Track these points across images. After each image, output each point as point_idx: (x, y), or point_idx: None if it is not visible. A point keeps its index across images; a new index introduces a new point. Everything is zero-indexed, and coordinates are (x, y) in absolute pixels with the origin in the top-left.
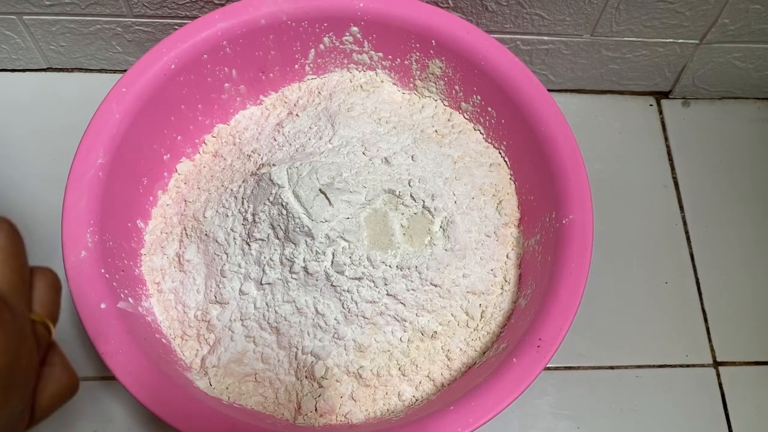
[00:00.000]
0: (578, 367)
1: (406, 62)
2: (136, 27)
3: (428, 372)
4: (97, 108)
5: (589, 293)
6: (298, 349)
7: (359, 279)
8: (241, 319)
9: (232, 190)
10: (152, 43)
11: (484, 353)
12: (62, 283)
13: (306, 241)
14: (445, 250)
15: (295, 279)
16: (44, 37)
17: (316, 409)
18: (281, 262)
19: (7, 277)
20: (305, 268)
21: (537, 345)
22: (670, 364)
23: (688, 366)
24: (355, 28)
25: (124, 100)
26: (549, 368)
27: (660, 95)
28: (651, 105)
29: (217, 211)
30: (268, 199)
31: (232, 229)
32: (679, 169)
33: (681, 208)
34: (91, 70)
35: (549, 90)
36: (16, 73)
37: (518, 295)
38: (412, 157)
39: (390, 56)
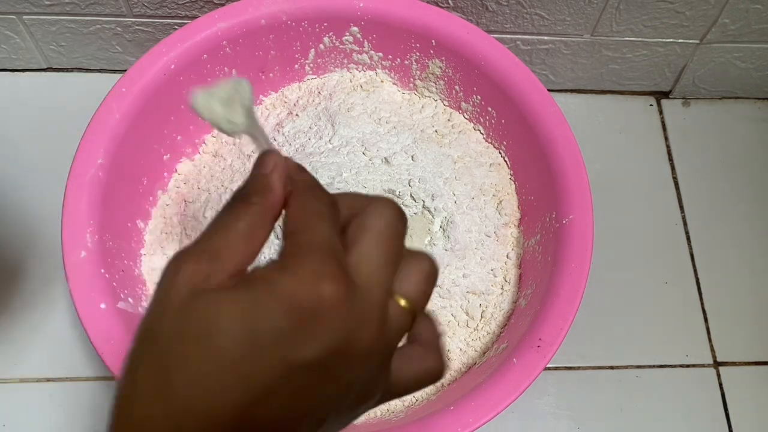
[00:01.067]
0: (578, 367)
1: (406, 62)
2: (136, 27)
3: None
4: (97, 108)
5: (589, 293)
6: None
7: None
8: None
9: (232, 190)
10: (152, 43)
11: (484, 353)
12: None
13: None
14: (445, 250)
15: None
16: (44, 37)
17: None
18: None
19: (374, 259)
20: None
21: (537, 345)
22: (670, 364)
23: (688, 366)
24: (355, 28)
25: (124, 100)
26: (549, 368)
27: (660, 95)
28: (651, 105)
29: (217, 211)
30: None
31: None
32: (679, 169)
33: (681, 208)
34: (91, 70)
35: (549, 90)
36: (16, 73)
37: (518, 295)
38: (412, 157)
39: (390, 56)
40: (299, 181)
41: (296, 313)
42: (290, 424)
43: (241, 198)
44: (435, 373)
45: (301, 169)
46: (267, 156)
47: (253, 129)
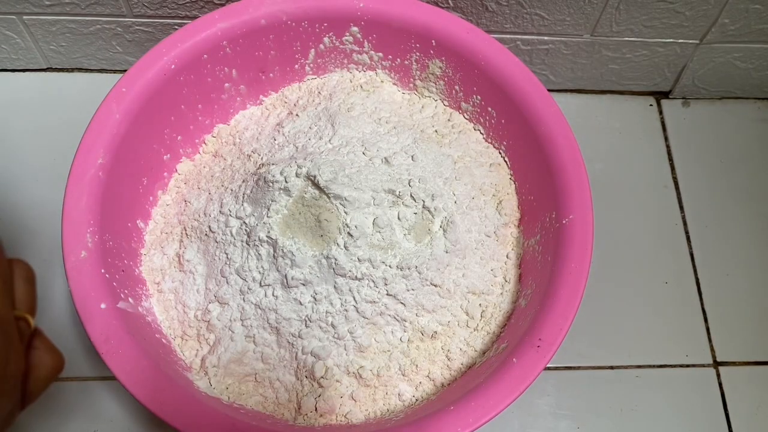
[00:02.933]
0: (578, 367)
1: (406, 62)
2: (136, 27)
3: (428, 372)
4: (97, 108)
5: (589, 293)
6: (298, 349)
7: (359, 279)
8: (241, 319)
9: (232, 190)
10: (152, 43)
11: (484, 353)
12: (36, 274)
13: None
14: (445, 250)
15: (295, 279)
16: (44, 37)
17: (316, 409)
18: None
19: None
20: None
21: (537, 345)
22: (670, 364)
23: (688, 366)
24: (355, 28)
25: (124, 100)
26: (549, 368)
27: (660, 95)
28: (651, 105)
29: (217, 211)
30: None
31: (232, 229)
32: (679, 169)
33: (681, 208)
34: (91, 70)
35: (549, 90)
36: (16, 73)
37: (518, 295)
38: (412, 157)
39: (390, 56)
40: None
41: None
42: None
43: None
44: (60, 366)
45: None
46: None
47: None
